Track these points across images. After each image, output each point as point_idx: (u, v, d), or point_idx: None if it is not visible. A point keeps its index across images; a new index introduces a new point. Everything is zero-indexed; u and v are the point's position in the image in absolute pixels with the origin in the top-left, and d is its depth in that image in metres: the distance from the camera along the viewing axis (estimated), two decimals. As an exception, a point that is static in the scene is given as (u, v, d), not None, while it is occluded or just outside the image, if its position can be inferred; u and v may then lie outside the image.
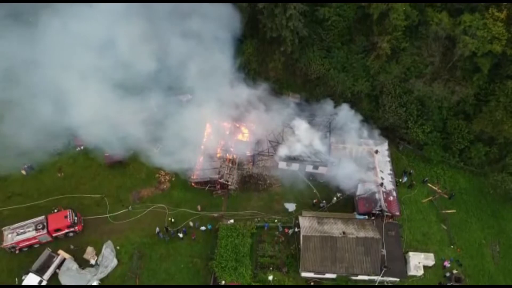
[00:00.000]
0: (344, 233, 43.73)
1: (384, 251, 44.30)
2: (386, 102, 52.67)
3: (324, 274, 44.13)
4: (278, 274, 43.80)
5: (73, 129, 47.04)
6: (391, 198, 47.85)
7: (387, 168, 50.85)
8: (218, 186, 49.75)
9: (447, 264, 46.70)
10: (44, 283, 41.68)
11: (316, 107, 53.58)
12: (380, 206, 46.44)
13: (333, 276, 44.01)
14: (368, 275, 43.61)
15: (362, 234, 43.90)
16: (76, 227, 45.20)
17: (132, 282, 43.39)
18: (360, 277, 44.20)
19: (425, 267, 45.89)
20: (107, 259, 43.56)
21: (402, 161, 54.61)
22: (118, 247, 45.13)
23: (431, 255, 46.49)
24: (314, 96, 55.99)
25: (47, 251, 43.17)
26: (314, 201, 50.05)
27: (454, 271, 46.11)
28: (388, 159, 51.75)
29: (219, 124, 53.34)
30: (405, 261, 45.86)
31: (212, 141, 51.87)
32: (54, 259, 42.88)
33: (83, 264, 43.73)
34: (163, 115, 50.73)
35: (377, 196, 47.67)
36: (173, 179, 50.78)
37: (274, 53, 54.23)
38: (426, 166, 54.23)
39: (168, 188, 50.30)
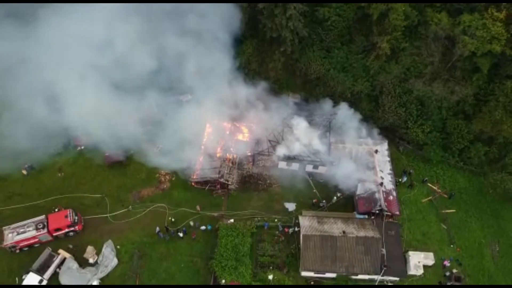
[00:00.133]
0: (344, 232, 43.82)
1: (384, 251, 44.35)
2: (385, 102, 52.76)
3: (324, 274, 44.19)
4: (278, 274, 43.82)
5: (73, 129, 47.05)
6: (391, 197, 47.95)
7: (387, 167, 50.92)
8: (218, 186, 49.82)
9: (447, 263, 46.78)
10: (44, 282, 41.66)
11: (316, 106, 53.64)
12: (380, 206, 46.47)
13: (333, 275, 44.06)
14: (368, 274, 43.68)
15: (362, 233, 43.98)
16: (77, 227, 45.22)
17: (132, 281, 43.41)
18: (360, 277, 44.26)
19: (425, 267, 45.95)
20: (108, 259, 43.59)
21: (402, 161, 54.70)
22: (118, 247, 45.16)
23: (431, 254, 46.54)
24: (314, 96, 56.08)
25: (47, 251, 43.13)
26: (314, 201, 50.12)
27: (454, 271, 46.18)
28: (388, 158, 51.80)
29: (219, 124, 53.43)
30: (405, 261, 45.90)
31: (212, 141, 51.94)
32: (55, 258, 42.88)
33: (83, 263, 43.73)
34: (163, 115, 50.91)
35: (377, 195, 47.74)
36: (173, 178, 50.83)
37: (274, 53, 54.28)
38: (426, 166, 54.29)
39: (168, 188, 50.32)
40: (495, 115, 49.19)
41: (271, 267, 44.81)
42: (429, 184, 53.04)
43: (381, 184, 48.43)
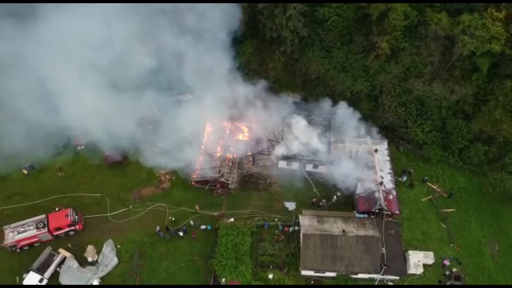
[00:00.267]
0: (344, 231, 43.87)
1: (384, 250, 44.39)
2: (385, 101, 52.86)
3: (324, 273, 44.23)
4: (278, 273, 43.86)
5: (73, 129, 47.13)
6: (391, 197, 48.00)
7: (387, 167, 51.02)
8: (218, 185, 49.89)
9: (446, 262, 46.81)
10: (44, 281, 41.71)
11: (315, 106, 53.71)
12: (380, 205, 46.54)
13: (333, 274, 44.09)
14: (368, 273, 43.70)
15: (362, 232, 44.04)
16: (77, 226, 45.30)
17: (133, 280, 43.44)
18: (360, 276, 44.29)
19: (424, 266, 45.95)
20: (108, 258, 43.65)
21: (402, 160, 54.79)
22: (118, 246, 45.24)
23: (431, 253, 46.53)
24: (313, 96, 56.19)
25: (47, 250, 43.22)
26: (314, 200, 50.17)
27: (454, 270, 46.21)
28: (388, 158, 51.92)
29: (219, 124, 53.53)
30: (405, 260, 45.92)
31: (212, 141, 52.05)
32: (55, 257, 42.98)
33: (83, 262, 43.77)
34: (163, 114, 50.97)
35: (376, 195, 47.79)
36: (173, 178, 50.92)
37: (274, 53, 54.43)
38: (426, 165, 54.38)
39: (169, 187, 50.43)
40: (495, 115, 49.29)
41: (271, 266, 44.85)
42: (428, 183, 53.11)
43: (381, 183, 48.48)
